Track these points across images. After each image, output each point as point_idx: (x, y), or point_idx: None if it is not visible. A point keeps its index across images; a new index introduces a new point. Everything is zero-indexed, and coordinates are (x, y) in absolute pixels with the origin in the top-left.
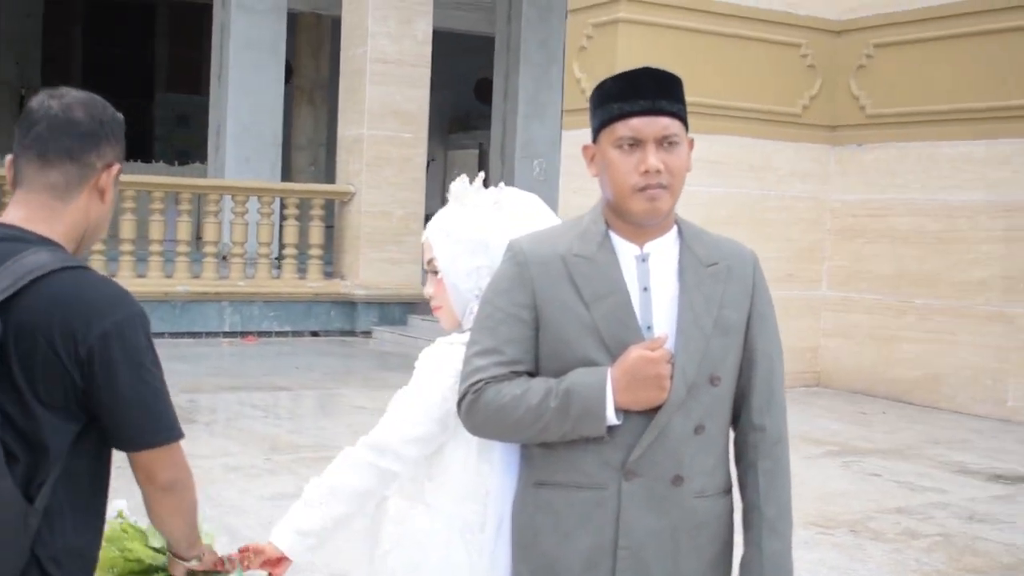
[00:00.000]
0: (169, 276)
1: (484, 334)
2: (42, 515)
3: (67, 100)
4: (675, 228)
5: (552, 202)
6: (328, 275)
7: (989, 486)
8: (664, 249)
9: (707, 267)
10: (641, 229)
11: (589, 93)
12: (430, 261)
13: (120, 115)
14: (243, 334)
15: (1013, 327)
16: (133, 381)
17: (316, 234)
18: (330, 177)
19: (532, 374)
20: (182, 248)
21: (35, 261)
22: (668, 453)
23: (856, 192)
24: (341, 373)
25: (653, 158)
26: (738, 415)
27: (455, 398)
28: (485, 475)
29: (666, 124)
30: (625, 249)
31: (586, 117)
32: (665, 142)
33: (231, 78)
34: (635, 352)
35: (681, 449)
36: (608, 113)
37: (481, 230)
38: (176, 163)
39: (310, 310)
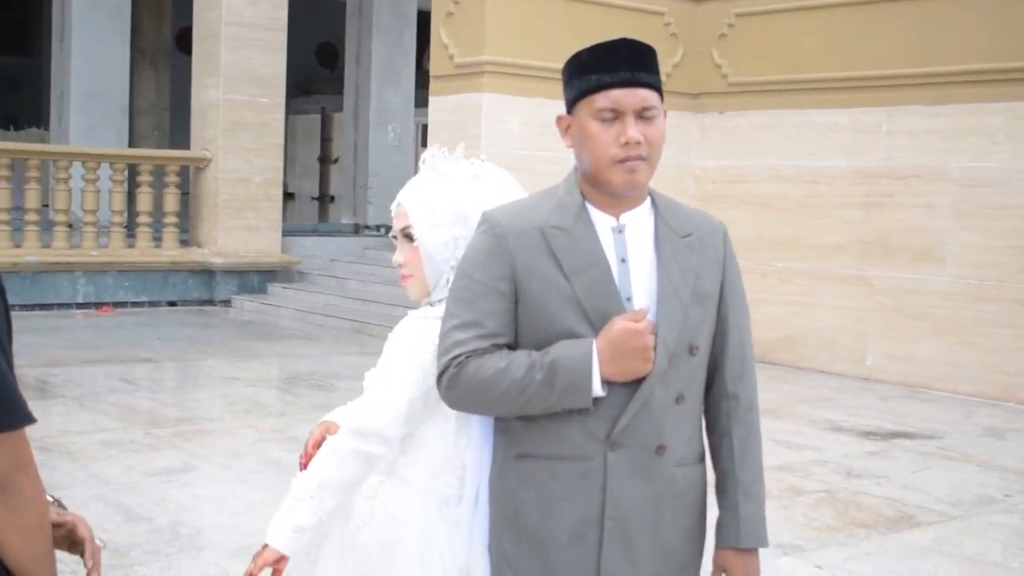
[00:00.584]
0: (18, 246)
1: (463, 307)
2: None
3: None
4: (648, 199)
5: (405, 167)
6: (184, 243)
7: (861, 442)
8: (639, 220)
9: (682, 238)
10: (617, 200)
11: (457, 60)
12: (404, 228)
13: None
14: (97, 305)
15: (871, 289)
16: None
17: (171, 201)
18: (174, 142)
19: (511, 347)
20: (31, 216)
21: None
22: (651, 423)
23: (717, 159)
24: (204, 343)
25: (633, 130)
26: (711, 384)
27: (435, 373)
28: (462, 448)
29: (645, 96)
30: (601, 220)
31: (452, 84)
32: (644, 113)
33: (74, 41)
34: (620, 324)
35: (663, 419)
36: (586, 84)
37: (460, 201)
38: (11, 128)
39: (167, 279)
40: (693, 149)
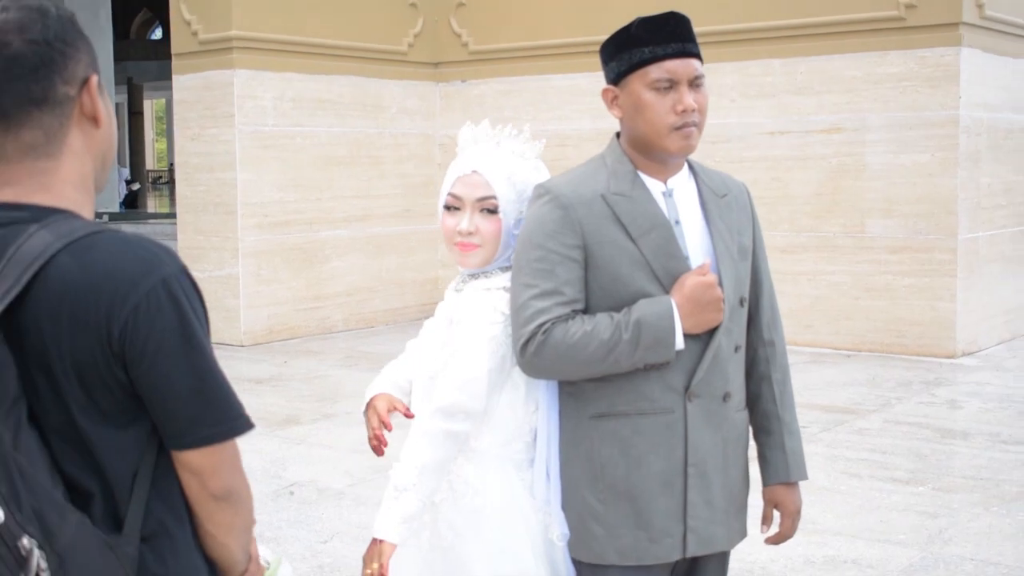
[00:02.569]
0: None
1: (540, 276)
2: (140, 541)
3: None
4: (686, 164)
5: (121, 152)
6: None
7: None
8: (683, 184)
9: (720, 198)
10: (664, 166)
11: (202, 36)
12: (483, 198)
13: (66, 11)
14: None
15: None
16: (176, 360)
17: None
18: None
19: (585, 311)
20: None
21: (34, 247)
22: (719, 372)
23: (463, 127)
24: None
25: (689, 98)
26: (748, 331)
27: (506, 342)
28: (530, 414)
29: (696, 65)
30: (652, 186)
31: (199, 60)
32: (695, 82)
33: None
34: (692, 279)
35: (727, 367)
36: (639, 56)
37: (535, 180)
38: None
39: None
40: (438, 118)
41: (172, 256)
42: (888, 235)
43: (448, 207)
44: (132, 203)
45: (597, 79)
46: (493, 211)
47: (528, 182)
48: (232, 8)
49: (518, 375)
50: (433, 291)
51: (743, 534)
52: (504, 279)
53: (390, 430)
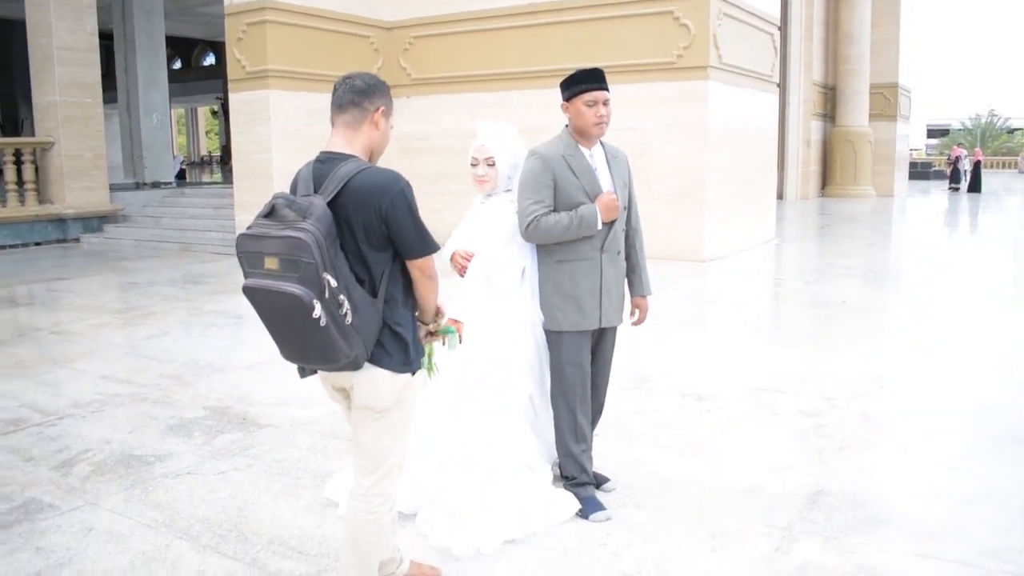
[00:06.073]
0: None
1: (534, 193)
2: (384, 302)
3: (352, 77)
4: (599, 142)
5: (166, 142)
6: (42, 202)
7: None
8: (598, 151)
9: (615, 159)
10: (589, 142)
11: (248, 68)
12: (489, 158)
13: (384, 82)
14: None
15: None
16: (408, 222)
17: (29, 173)
18: None
19: (554, 211)
20: None
21: (345, 170)
22: (616, 240)
23: (410, 125)
24: (88, 265)
25: (603, 110)
26: (626, 222)
27: (512, 222)
28: (524, 258)
29: (607, 94)
30: (584, 151)
31: (246, 84)
32: (606, 102)
33: None
34: (606, 196)
35: (620, 238)
36: (580, 88)
37: (518, 149)
38: None
39: (32, 227)
40: (394, 120)
41: (401, 176)
42: (667, 192)
43: (472, 163)
44: (181, 176)
45: (494, 96)
46: (493, 165)
47: (513, 150)
48: (268, 50)
49: (516, 239)
50: None
51: (622, 320)
52: (506, 196)
53: (468, 261)
